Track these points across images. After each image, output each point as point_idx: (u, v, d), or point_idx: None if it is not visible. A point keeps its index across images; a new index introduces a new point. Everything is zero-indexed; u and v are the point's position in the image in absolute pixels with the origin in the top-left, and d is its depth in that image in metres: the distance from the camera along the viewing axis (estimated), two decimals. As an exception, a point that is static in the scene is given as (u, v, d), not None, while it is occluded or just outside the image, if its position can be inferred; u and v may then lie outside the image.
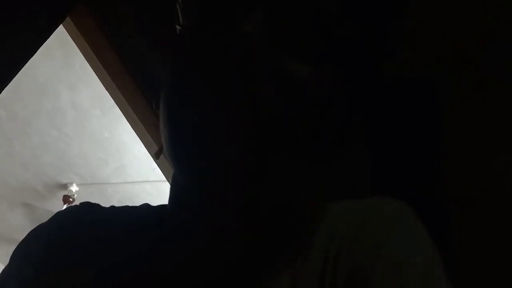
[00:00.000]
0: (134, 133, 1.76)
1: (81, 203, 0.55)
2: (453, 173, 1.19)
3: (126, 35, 1.27)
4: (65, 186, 3.79)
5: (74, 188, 3.74)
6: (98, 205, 0.55)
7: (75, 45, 1.41)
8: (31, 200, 4.02)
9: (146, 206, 0.57)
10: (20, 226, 4.20)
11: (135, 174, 3.57)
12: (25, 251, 0.52)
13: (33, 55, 1.02)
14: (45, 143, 3.39)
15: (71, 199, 3.74)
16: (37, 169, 3.67)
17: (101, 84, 1.51)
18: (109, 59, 1.31)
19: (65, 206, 3.76)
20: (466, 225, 1.15)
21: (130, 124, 1.64)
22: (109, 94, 1.52)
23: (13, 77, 0.97)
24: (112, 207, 0.56)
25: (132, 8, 1.23)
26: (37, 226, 0.55)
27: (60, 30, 1.26)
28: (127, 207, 0.56)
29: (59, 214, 0.55)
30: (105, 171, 3.62)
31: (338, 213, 0.47)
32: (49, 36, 1.04)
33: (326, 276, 0.41)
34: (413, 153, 1.24)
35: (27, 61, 1.03)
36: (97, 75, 1.44)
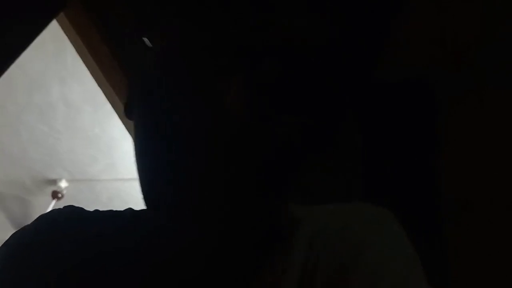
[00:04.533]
0: (125, 130, 1.75)
1: (64, 206, 0.56)
2: (449, 174, 1.20)
3: (120, 30, 1.26)
4: (54, 182, 3.76)
5: (63, 184, 3.71)
6: (82, 208, 0.55)
7: (67, 39, 1.40)
8: (19, 195, 3.98)
9: (129, 211, 0.56)
10: (6, 222, 4.17)
11: (125, 171, 3.55)
12: (2, 253, 0.52)
13: (26, 48, 1.02)
14: (34, 138, 3.37)
15: (59, 195, 3.72)
16: (25, 164, 3.64)
17: (92, 80, 1.50)
18: (102, 55, 1.31)
19: (54, 202, 3.74)
20: (462, 226, 1.16)
21: (121, 120, 1.63)
22: (100, 90, 1.51)
23: (5, 70, 0.96)
24: (96, 210, 0.55)
25: (126, 3, 1.23)
26: (20, 229, 0.55)
27: (52, 24, 1.25)
28: (110, 211, 0.56)
29: (40, 217, 0.54)
30: (95, 168, 3.60)
31: (317, 218, 0.47)
32: (43, 30, 1.04)
33: (305, 282, 0.41)
34: (410, 154, 1.25)
35: (20, 55, 1.02)
36: (89, 70, 1.43)
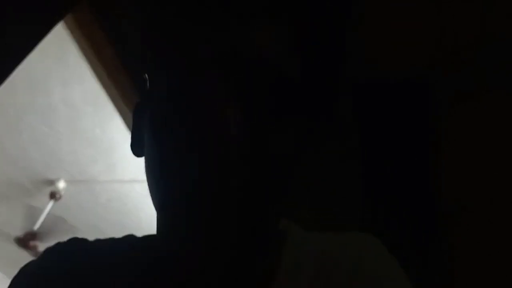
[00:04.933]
0: (125, 131, 1.76)
1: (69, 240, 0.56)
2: (448, 175, 1.20)
3: (126, 32, 1.27)
4: (52, 182, 3.76)
5: (61, 184, 3.71)
6: (85, 239, 0.56)
7: (69, 41, 1.41)
8: (18, 195, 3.98)
9: (131, 237, 0.57)
10: (4, 221, 4.16)
11: (125, 173, 3.56)
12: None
13: (33, 49, 1.03)
14: (35, 138, 3.37)
15: (58, 196, 3.72)
16: (25, 164, 3.64)
17: (94, 81, 1.51)
18: (106, 55, 1.32)
19: (52, 202, 3.74)
20: (458, 231, 1.16)
21: (124, 121, 1.64)
22: (101, 92, 1.52)
23: (13, 71, 0.97)
24: (98, 240, 0.56)
25: (132, 6, 1.24)
26: (27, 263, 0.55)
27: (55, 26, 1.26)
28: (112, 239, 0.56)
29: (47, 251, 0.55)
30: (94, 169, 3.60)
31: (325, 242, 0.51)
32: (50, 31, 1.05)
33: None
34: (409, 155, 1.25)
35: (27, 56, 1.03)
36: (93, 71, 1.44)
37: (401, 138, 1.28)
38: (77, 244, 0.55)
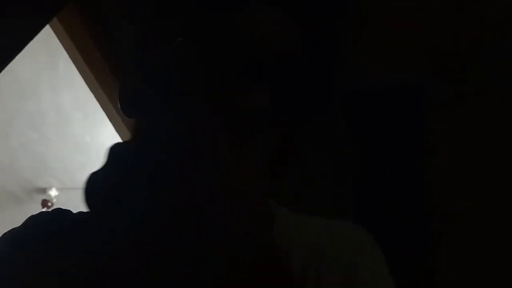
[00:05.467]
0: (116, 137, 1.74)
1: (52, 209, 0.56)
2: (437, 184, 1.20)
3: (113, 36, 1.26)
4: (43, 190, 3.73)
5: (53, 192, 3.68)
6: (69, 211, 0.55)
7: (58, 46, 1.39)
8: (9, 203, 3.94)
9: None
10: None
11: (116, 179, 3.53)
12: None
13: (17, 54, 1.01)
14: (24, 146, 3.34)
15: (49, 204, 3.68)
16: (15, 172, 3.60)
17: (84, 86, 1.49)
18: (95, 60, 1.30)
19: (43, 210, 3.70)
20: (450, 235, 1.16)
21: (113, 126, 1.62)
22: (92, 97, 1.50)
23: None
24: (81, 212, 0.55)
25: (120, 10, 1.22)
26: (9, 230, 0.54)
27: (44, 31, 1.24)
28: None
29: (30, 219, 0.54)
30: (85, 175, 3.56)
31: (314, 231, 0.52)
32: (35, 36, 1.03)
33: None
34: (402, 160, 1.25)
35: (11, 61, 1.02)
36: (81, 75, 1.42)
37: (393, 142, 1.28)
38: (60, 214, 0.54)
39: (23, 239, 0.52)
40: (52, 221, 0.53)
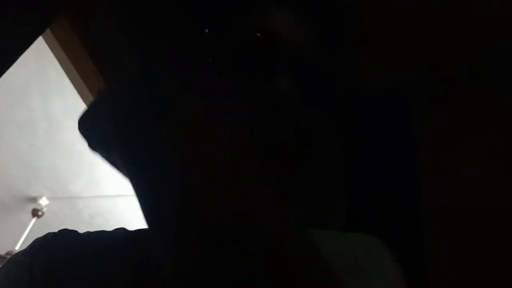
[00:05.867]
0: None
1: (59, 231, 0.54)
2: (426, 185, 1.21)
3: (106, 46, 1.25)
4: (34, 200, 3.69)
5: (44, 201, 3.64)
6: (75, 231, 0.54)
7: (49, 55, 1.38)
8: (-2, 213, 3.90)
9: (122, 230, 0.56)
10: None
11: (107, 188, 3.50)
12: (7, 276, 0.50)
13: (10, 66, 1.00)
14: (15, 154, 3.30)
15: (40, 213, 3.64)
16: (5, 181, 3.56)
17: (75, 95, 1.48)
18: (88, 71, 1.29)
19: (34, 220, 3.66)
20: (437, 236, 1.16)
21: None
22: (83, 105, 1.48)
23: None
24: (89, 232, 0.54)
25: (113, 20, 1.21)
26: (15, 254, 0.53)
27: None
28: (103, 232, 0.55)
29: (35, 242, 0.53)
30: (76, 185, 3.54)
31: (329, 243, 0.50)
32: (28, 47, 1.02)
33: None
34: (387, 165, 1.25)
35: (4, 72, 1.00)
36: (74, 86, 1.41)
37: (385, 144, 1.28)
38: (67, 236, 0.53)
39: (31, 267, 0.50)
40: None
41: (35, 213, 3.65)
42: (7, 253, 3.59)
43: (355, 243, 0.52)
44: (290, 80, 0.45)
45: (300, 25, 0.49)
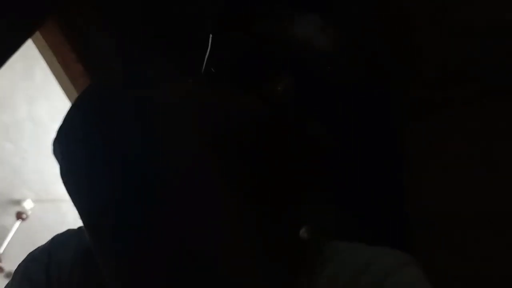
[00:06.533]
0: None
1: (78, 228, 0.56)
2: (413, 189, 1.21)
3: (96, 49, 1.26)
4: (18, 202, 3.65)
5: (28, 204, 3.61)
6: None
7: (35, 58, 1.38)
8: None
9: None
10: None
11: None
12: (25, 275, 0.51)
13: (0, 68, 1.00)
14: (-1, 157, 3.28)
15: (24, 216, 3.61)
16: (-11, 184, 3.53)
17: (61, 98, 1.48)
18: (77, 73, 1.30)
19: (18, 223, 3.62)
20: (425, 243, 1.18)
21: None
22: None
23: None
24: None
25: (103, 23, 1.23)
26: (32, 251, 0.54)
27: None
28: None
29: (54, 238, 0.54)
30: (61, 187, 3.49)
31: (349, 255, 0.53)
32: (18, 50, 1.03)
33: None
34: (374, 168, 1.25)
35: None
36: (62, 89, 1.41)
37: (366, 149, 1.28)
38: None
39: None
40: None
41: (19, 215, 3.61)
42: (-10, 256, 3.56)
43: (383, 257, 0.53)
44: (292, 84, 0.46)
45: (324, 30, 0.49)
